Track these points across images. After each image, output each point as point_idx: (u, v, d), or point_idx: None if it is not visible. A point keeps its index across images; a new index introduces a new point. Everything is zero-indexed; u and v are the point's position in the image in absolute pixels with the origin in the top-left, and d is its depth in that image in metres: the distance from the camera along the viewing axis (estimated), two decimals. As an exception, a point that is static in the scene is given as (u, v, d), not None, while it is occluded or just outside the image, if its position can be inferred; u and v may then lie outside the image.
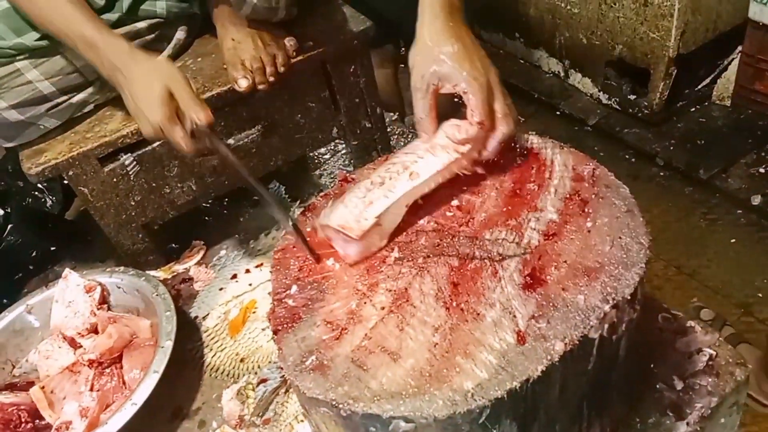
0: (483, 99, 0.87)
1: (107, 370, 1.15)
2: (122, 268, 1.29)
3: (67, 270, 1.26)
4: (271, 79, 1.31)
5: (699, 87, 2.38)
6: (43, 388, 1.11)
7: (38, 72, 1.26)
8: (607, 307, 0.71)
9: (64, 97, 1.31)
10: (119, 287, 1.26)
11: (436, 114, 0.92)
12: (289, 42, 1.38)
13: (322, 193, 0.98)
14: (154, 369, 1.06)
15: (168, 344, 1.10)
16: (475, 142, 0.88)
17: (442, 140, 0.90)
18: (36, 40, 1.24)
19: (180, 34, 1.43)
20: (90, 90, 1.34)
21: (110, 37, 1.10)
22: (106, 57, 1.07)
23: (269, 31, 1.38)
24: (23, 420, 1.10)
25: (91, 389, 1.12)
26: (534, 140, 0.96)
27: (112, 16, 1.30)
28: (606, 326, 0.71)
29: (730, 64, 2.29)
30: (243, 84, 1.29)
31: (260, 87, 1.31)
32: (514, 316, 0.73)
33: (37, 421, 1.12)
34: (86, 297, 1.23)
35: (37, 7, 1.14)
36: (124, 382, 1.15)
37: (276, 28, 1.40)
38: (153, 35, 1.37)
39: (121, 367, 1.16)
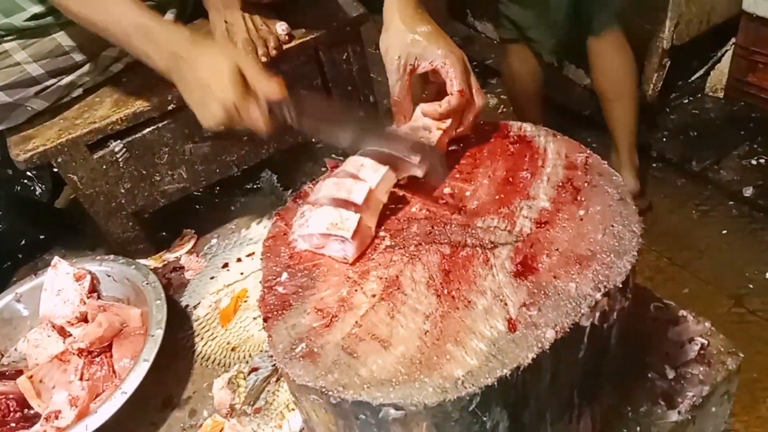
0: (461, 70, 0.92)
1: (97, 359, 1.14)
2: (112, 256, 1.28)
3: (56, 258, 1.25)
4: (264, 59, 1.30)
5: (692, 79, 2.39)
6: (31, 377, 1.10)
7: (26, 54, 1.24)
8: (598, 295, 0.71)
9: (53, 80, 1.29)
10: (109, 276, 1.25)
11: (411, 97, 0.96)
12: (281, 26, 1.37)
13: (313, 181, 0.97)
14: (144, 358, 1.05)
15: (158, 333, 1.09)
16: (455, 115, 0.92)
17: (421, 121, 0.93)
18: (25, 21, 1.22)
19: (169, 17, 1.42)
20: (78, 72, 1.32)
21: (168, 25, 1.06)
22: (166, 46, 1.02)
23: (261, 16, 1.37)
24: (12, 409, 1.10)
25: (81, 378, 1.12)
26: (527, 128, 0.96)
27: None
28: (597, 314, 0.71)
29: (723, 56, 2.30)
30: None
31: None
32: (505, 304, 0.72)
33: (26, 410, 1.11)
34: (76, 285, 1.22)
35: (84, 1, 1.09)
36: (114, 371, 1.14)
37: (268, 12, 1.39)
38: None
39: (111, 356, 1.15)
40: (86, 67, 1.32)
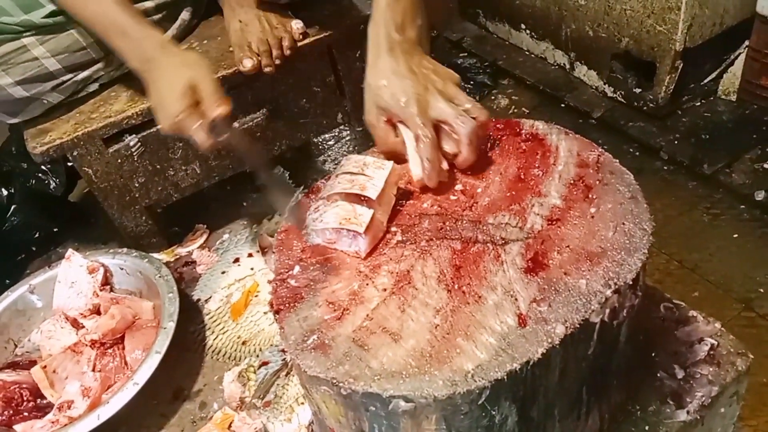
0: (417, 134, 0.87)
1: (109, 351, 1.16)
2: (125, 249, 1.29)
3: (70, 251, 1.26)
4: (278, 61, 1.31)
5: (705, 81, 2.37)
6: (44, 367, 1.12)
7: (45, 49, 1.26)
8: (608, 292, 0.71)
9: (70, 75, 1.31)
10: (122, 269, 1.26)
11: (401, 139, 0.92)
12: (296, 25, 1.38)
13: (326, 177, 0.98)
14: (156, 350, 1.07)
15: (170, 325, 1.10)
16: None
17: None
18: (43, 17, 1.23)
19: (185, 15, 1.43)
20: (95, 67, 1.34)
21: (145, 28, 1.09)
22: (139, 47, 1.06)
23: (276, 14, 1.37)
24: (25, 398, 1.11)
25: (93, 369, 1.13)
26: (539, 126, 0.96)
27: None
28: (607, 311, 0.72)
29: (736, 58, 2.28)
30: (247, 64, 1.29)
31: (266, 70, 1.31)
32: (516, 299, 0.73)
33: (39, 399, 1.12)
34: (89, 278, 1.24)
35: None
36: (126, 363, 1.15)
37: (283, 11, 1.39)
38: (160, 15, 1.37)
39: (123, 348, 1.17)
40: (102, 63, 1.33)
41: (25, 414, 1.10)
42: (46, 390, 1.11)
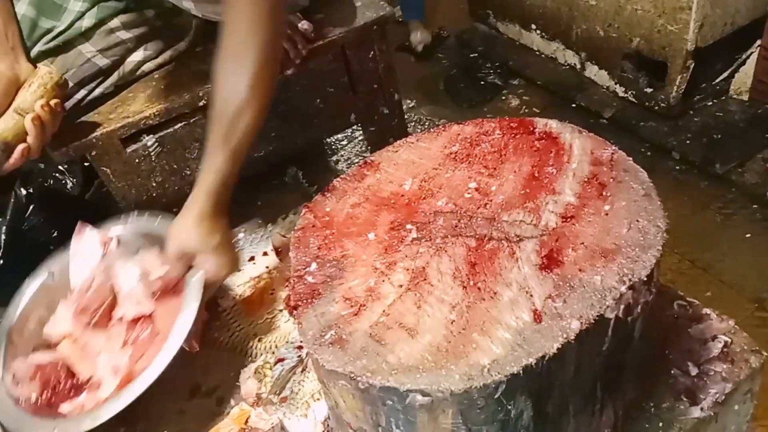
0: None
1: (138, 324, 1.12)
2: (136, 212, 1.26)
3: (79, 224, 1.24)
4: (297, 62, 1.33)
5: (716, 81, 2.37)
6: (74, 341, 1.10)
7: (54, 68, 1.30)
8: (623, 288, 0.72)
9: (83, 92, 1.34)
10: (133, 235, 1.23)
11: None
12: (304, 26, 1.39)
13: (341, 176, 0.99)
14: (186, 303, 1.05)
15: (198, 275, 1.08)
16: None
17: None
18: (51, 40, 1.29)
19: (181, 45, 1.45)
20: (108, 83, 1.37)
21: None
22: None
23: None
24: (61, 379, 1.09)
25: (124, 345, 1.10)
26: (553, 125, 0.97)
27: (119, 3, 1.32)
28: (622, 307, 0.72)
29: (748, 58, 2.28)
30: None
31: (288, 72, 1.33)
32: (531, 296, 0.74)
33: (75, 379, 1.10)
34: (102, 251, 1.20)
35: None
36: (156, 332, 1.11)
37: (291, 14, 1.41)
38: (161, 23, 1.39)
39: (153, 319, 1.13)
40: (114, 77, 1.37)
41: (64, 393, 1.08)
42: (78, 365, 1.09)
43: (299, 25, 1.40)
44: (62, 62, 1.30)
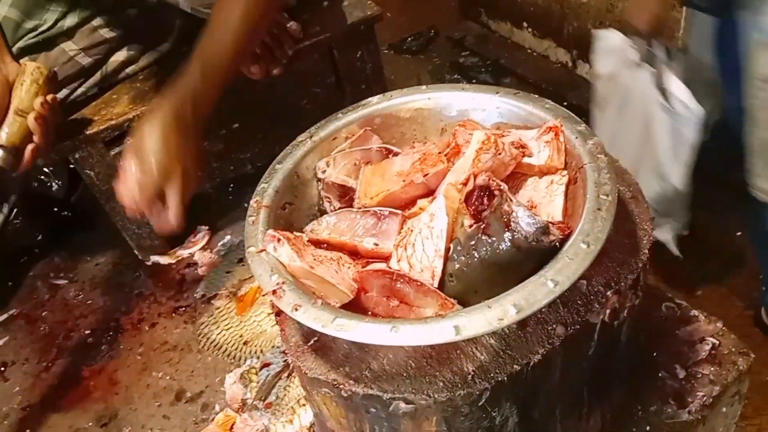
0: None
1: None
2: None
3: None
4: (284, 62, 1.31)
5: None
6: None
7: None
8: (609, 293, 0.71)
9: (65, 91, 1.32)
10: None
11: None
12: (293, 26, 1.38)
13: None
14: None
15: None
16: None
17: None
18: (31, 38, 1.27)
19: (178, 22, 1.44)
20: (90, 82, 1.35)
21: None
22: None
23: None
24: None
25: None
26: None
27: (102, 2, 1.31)
28: (608, 311, 0.71)
29: None
30: (255, 70, 1.29)
31: (275, 72, 1.31)
32: (516, 301, 0.72)
33: None
34: None
35: None
36: None
37: (279, 15, 1.40)
38: (143, 22, 1.37)
39: None
40: (97, 76, 1.35)
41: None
42: None
43: (288, 25, 1.38)
44: (44, 60, 1.28)
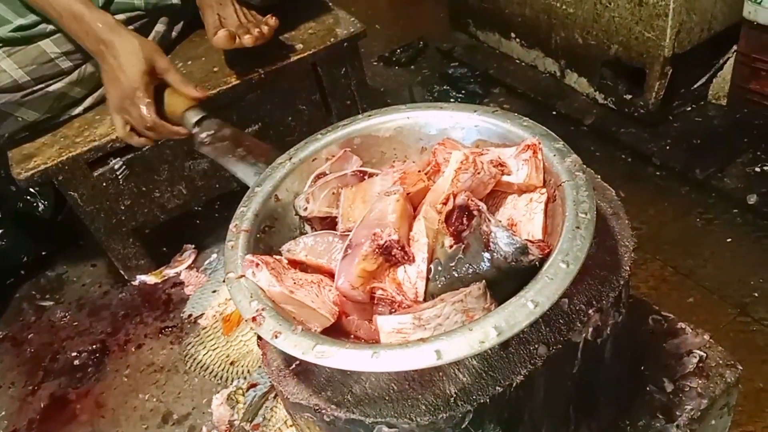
0: None
1: None
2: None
3: None
4: (256, 33, 1.29)
5: (695, 86, 2.37)
6: None
7: (12, 61, 1.28)
8: (591, 311, 0.70)
9: (41, 86, 1.31)
10: None
11: None
12: (270, 19, 1.36)
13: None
14: None
15: None
16: None
17: None
18: (10, 32, 1.26)
19: (160, 27, 1.44)
20: (66, 81, 1.34)
21: (96, 12, 1.16)
22: (92, 29, 1.13)
23: (252, 12, 1.42)
24: None
25: None
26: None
27: None
28: (590, 329, 0.71)
29: (725, 63, 2.28)
30: (221, 34, 1.28)
31: (245, 38, 1.28)
32: (498, 320, 0.72)
33: None
34: None
35: None
36: None
37: (259, 13, 1.41)
38: (132, 27, 1.37)
39: None
40: (74, 76, 1.34)
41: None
42: None
43: (266, 18, 1.35)
44: (23, 56, 1.28)
